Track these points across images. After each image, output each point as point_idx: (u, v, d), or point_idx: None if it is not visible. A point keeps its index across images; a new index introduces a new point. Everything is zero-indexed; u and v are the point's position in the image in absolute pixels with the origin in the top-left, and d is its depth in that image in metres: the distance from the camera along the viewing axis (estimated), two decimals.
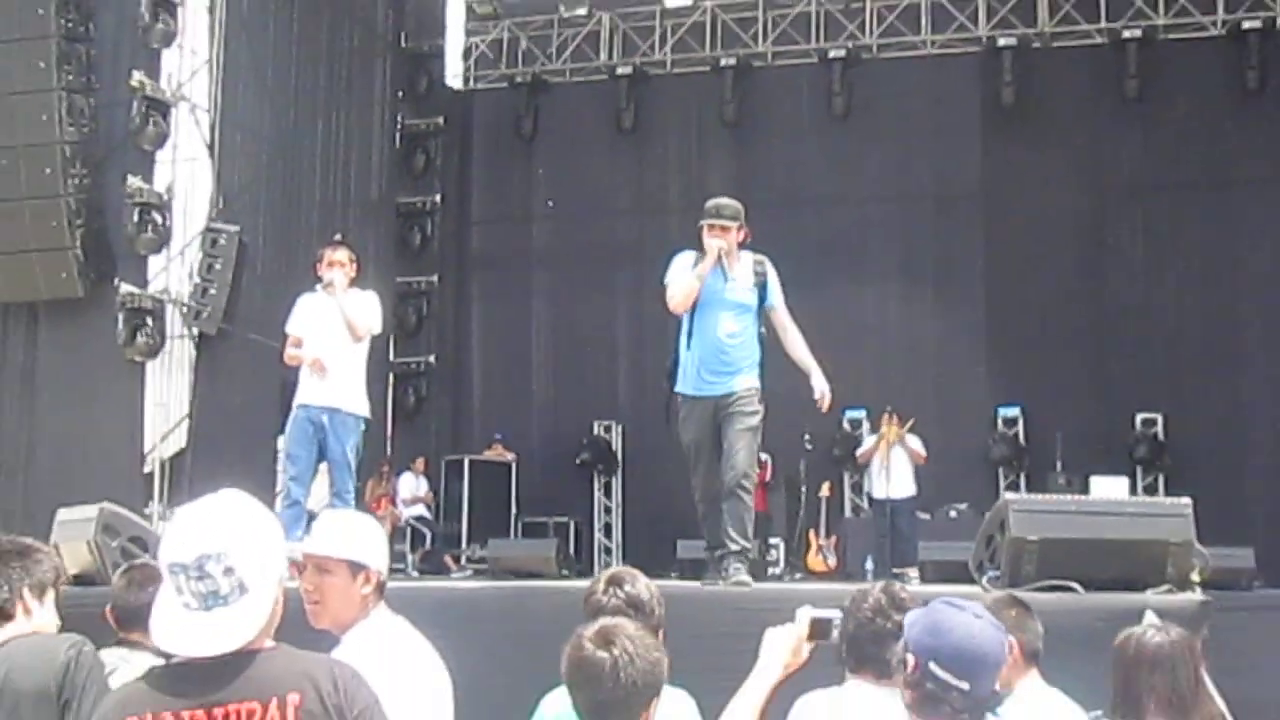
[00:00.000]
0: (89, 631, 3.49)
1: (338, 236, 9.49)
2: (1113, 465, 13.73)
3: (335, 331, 8.15)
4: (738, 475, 7.04)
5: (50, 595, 3.48)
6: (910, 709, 2.82)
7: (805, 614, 3.01)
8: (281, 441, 8.41)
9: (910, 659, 2.81)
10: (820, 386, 7.26)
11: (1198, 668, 3.78)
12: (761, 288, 7.19)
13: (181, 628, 2.44)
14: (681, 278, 7.11)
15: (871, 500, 14.24)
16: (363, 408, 8.44)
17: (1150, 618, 3.96)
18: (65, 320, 12.21)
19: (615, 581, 3.93)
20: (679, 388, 7.23)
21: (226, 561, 2.44)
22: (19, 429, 12.17)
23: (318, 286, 8.27)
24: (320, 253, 8.44)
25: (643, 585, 3.93)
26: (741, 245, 7.18)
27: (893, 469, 13.17)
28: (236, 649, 2.44)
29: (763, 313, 7.28)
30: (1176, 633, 3.86)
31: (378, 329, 8.50)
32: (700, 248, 7.13)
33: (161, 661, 2.55)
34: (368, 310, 8.30)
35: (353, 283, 8.29)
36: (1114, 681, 3.84)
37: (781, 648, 3.05)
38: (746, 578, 6.90)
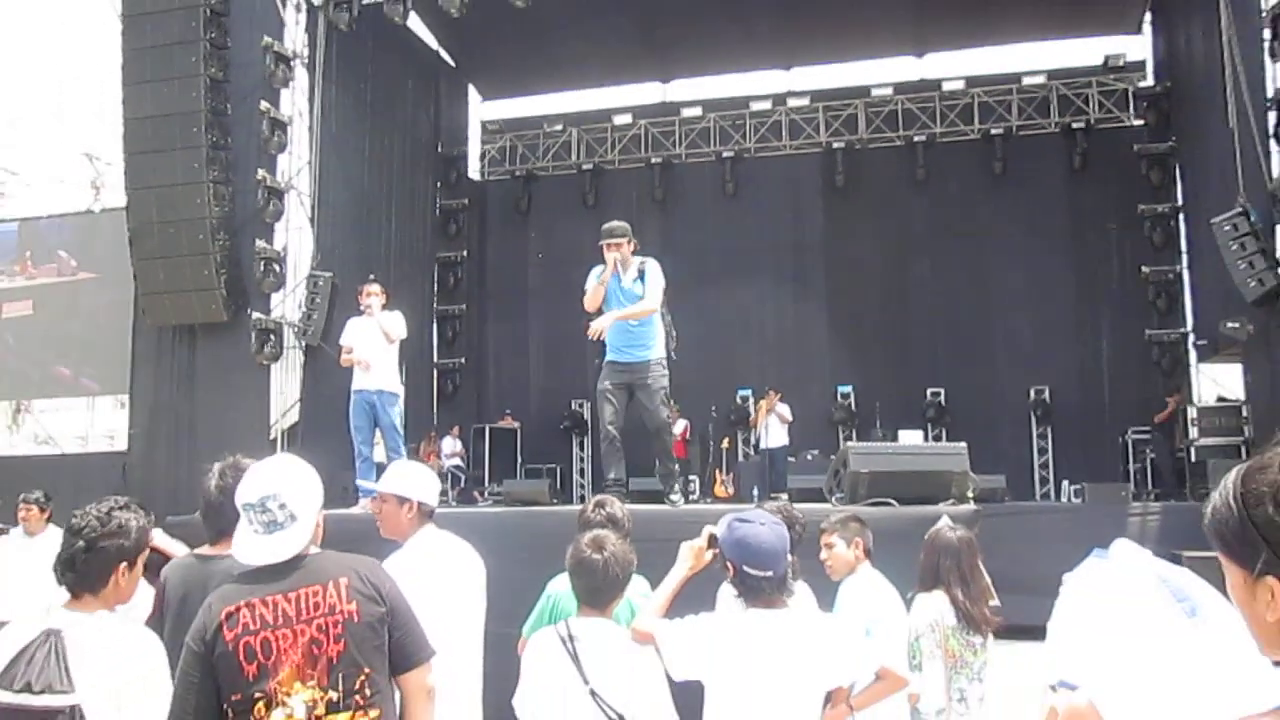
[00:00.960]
0: None
1: (372, 276, 9.18)
2: (912, 423, 13.77)
3: (375, 339, 8.09)
4: (660, 425, 6.75)
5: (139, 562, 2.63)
6: (741, 599, 2.81)
7: (707, 530, 3.00)
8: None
9: (730, 566, 2.80)
10: (600, 324, 6.56)
11: (975, 555, 3.84)
12: (641, 279, 6.63)
13: (254, 546, 2.46)
14: (590, 285, 6.76)
15: (756, 449, 14.29)
16: (399, 388, 8.30)
17: (945, 520, 4.00)
18: (214, 337, 12.02)
19: (600, 504, 3.93)
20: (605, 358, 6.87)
21: (280, 500, 2.45)
22: (183, 411, 12.01)
23: (361, 307, 8.21)
24: (360, 288, 8.34)
25: (618, 507, 3.94)
26: (634, 253, 6.71)
27: (770, 428, 13.18)
28: (292, 556, 2.46)
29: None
30: (962, 531, 3.91)
31: (404, 335, 8.30)
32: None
33: None
34: (397, 323, 8.19)
35: (384, 306, 8.22)
36: (920, 563, 3.89)
37: (688, 554, 3.04)
38: (678, 498, 6.83)
